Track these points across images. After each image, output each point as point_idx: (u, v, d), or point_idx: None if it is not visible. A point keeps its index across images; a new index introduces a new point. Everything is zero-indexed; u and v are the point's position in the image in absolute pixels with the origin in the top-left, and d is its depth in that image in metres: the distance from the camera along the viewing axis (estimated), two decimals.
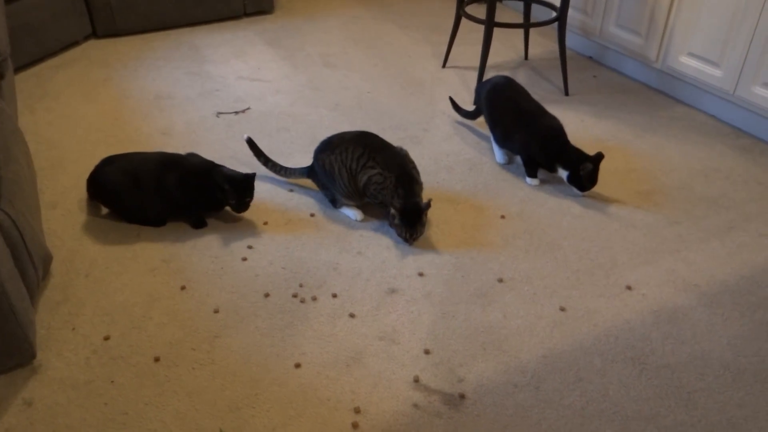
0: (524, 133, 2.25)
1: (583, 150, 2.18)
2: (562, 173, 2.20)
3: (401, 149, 2.09)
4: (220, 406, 1.49)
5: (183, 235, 2.02)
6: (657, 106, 2.84)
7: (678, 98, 2.90)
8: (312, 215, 2.12)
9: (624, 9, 2.90)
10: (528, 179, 2.30)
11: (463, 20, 3.68)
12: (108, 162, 2.04)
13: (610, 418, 1.47)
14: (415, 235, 1.95)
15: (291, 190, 2.24)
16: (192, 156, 2.11)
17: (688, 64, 2.70)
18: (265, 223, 2.08)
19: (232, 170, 2.01)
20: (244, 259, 1.92)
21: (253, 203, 2.15)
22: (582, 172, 2.13)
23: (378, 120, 2.68)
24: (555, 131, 2.22)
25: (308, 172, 2.19)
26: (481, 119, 2.56)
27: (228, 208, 2.06)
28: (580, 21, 3.15)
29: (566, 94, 2.91)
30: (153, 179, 1.98)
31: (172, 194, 1.98)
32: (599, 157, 2.13)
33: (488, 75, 3.05)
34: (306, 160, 2.39)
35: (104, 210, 2.11)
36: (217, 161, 2.34)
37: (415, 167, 2.06)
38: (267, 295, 1.80)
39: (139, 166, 1.99)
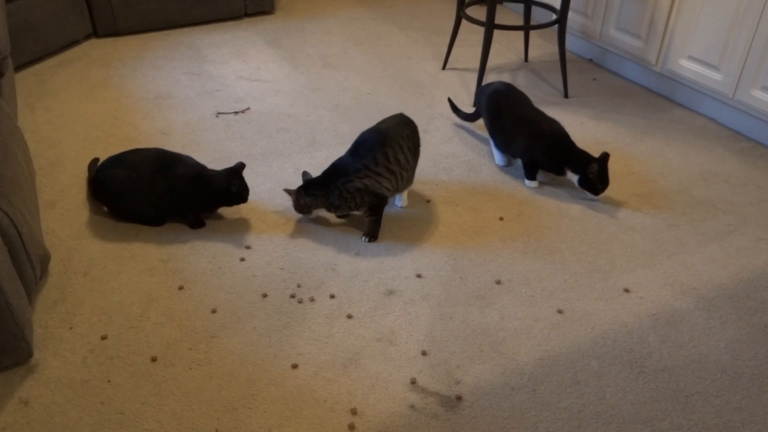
0: (527, 137, 2.25)
1: (588, 152, 2.18)
2: (572, 177, 2.19)
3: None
4: (217, 406, 1.49)
5: (181, 235, 2.02)
6: (656, 109, 2.84)
7: (677, 101, 2.90)
8: (311, 217, 2.12)
9: (624, 12, 2.91)
10: (527, 181, 2.30)
11: (464, 22, 3.69)
12: (111, 164, 2.02)
13: (606, 421, 1.47)
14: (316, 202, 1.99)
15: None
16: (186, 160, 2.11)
17: (687, 67, 2.70)
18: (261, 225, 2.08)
19: (217, 171, 2.04)
20: (242, 260, 1.92)
21: (252, 204, 2.16)
22: (590, 174, 2.13)
23: (377, 121, 2.67)
24: (558, 134, 2.22)
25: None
26: (480, 122, 2.56)
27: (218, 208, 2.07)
28: (580, 23, 3.15)
29: (566, 96, 2.91)
30: (146, 182, 1.98)
31: (163, 199, 1.99)
32: (605, 157, 2.12)
33: (488, 77, 3.06)
34: (304, 160, 2.40)
35: (105, 210, 2.11)
36: (216, 162, 2.35)
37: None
38: (265, 296, 1.80)
39: (138, 165, 1.99)
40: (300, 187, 2.01)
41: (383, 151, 1.94)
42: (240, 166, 2.02)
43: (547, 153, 2.23)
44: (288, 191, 2.03)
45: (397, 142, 1.96)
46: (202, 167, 2.04)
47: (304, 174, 2.08)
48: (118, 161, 2.01)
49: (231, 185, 1.98)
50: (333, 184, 1.95)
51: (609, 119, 2.74)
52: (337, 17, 3.78)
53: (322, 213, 2.05)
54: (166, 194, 1.97)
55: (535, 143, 2.23)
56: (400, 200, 2.16)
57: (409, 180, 2.07)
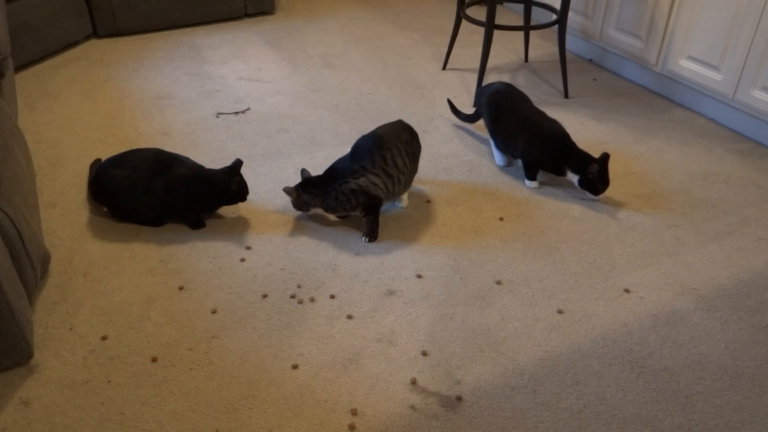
0: (527, 137, 2.25)
1: (588, 152, 2.18)
2: (572, 177, 2.19)
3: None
4: (217, 406, 1.49)
5: (181, 235, 2.02)
6: (656, 109, 2.84)
7: (677, 101, 2.90)
8: (311, 216, 2.12)
9: (624, 12, 2.91)
10: (527, 182, 2.30)
11: (464, 22, 3.69)
12: (110, 164, 2.03)
13: (607, 421, 1.47)
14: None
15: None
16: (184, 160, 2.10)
17: (687, 67, 2.71)
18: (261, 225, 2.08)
19: (216, 170, 2.04)
20: (243, 260, 1.92)
21: (252, 204, 2.16)
22: (591, 175, 2.13)
23: (378, 121, 2.68)
24: (559, 134, 2.22)
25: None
26: (481, 122, 2.56)
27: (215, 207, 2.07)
28: (580, 24, 3.15)
29: (566, 96, 2.91)
30: (145, 183, 1.97)
31: (163, 200, 1.98)
32: (605, 157, 2.12)
33: (488, 77, 3.06)
34: (305, 161, 2.40)
35: (105, 210, 2.11)
36: (216, 162, 2.35)
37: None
38: (265, 296, 1.80)
39: (137, 166, 1.99)
40: (299, 185, 2.02)
41: (381, 154, 1.94)
42: (238, 164, 2.02)
43: (548, 153, 2.23)
44: (287, 191, 2.03)
45: (395, 146, 1.97)
46: (201, 167, 2.04)
47: (303, 171, 2.09)
48: (117, 162, 2.01)
49: (232, 183, 1.99)
50: (330, 185, 1.96)
51: (609, 119, 2.74)
52: (337, 18, 3.78)
53: (321, 212, 2.05)
54: (165, 195, 1.97)
55: (535, 143, 2.23)
56: (401, 201, 2.16)
57: (407, 184, 2.07)
